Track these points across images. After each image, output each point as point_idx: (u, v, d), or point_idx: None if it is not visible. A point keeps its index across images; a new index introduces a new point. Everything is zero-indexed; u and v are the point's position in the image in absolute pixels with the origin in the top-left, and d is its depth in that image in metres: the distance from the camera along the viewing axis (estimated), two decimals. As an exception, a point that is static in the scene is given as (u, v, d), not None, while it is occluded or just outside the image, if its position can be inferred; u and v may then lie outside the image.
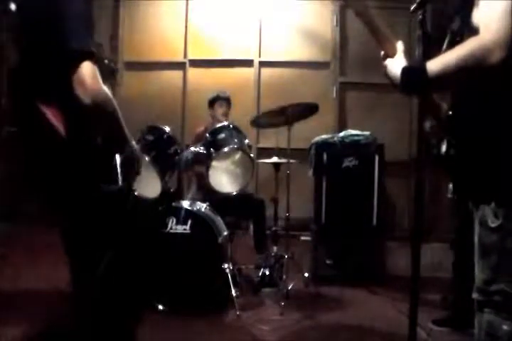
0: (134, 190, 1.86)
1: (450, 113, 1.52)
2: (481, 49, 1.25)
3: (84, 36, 1.54)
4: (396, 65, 1.47)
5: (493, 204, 1.39)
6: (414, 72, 1.41)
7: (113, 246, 1.70)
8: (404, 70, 1.43)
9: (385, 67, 1.51)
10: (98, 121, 1.57)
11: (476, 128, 1.41)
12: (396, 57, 1.50)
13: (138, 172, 1.79)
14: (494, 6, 1.27)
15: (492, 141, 1.38)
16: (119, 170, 1.63)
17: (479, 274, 1.44)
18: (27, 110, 1.64)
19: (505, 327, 1.36)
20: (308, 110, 3.57)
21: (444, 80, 1.37)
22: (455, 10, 1.46)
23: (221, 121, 3.71)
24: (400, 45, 1.52)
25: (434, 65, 1.35)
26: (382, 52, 1.54)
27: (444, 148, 1.57)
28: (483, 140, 1.39)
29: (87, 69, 1.49)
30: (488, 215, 1.40)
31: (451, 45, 1.42)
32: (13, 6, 1.68)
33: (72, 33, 1.53)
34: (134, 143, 1.74)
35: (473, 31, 1.28)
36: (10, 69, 1.72)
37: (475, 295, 1.45)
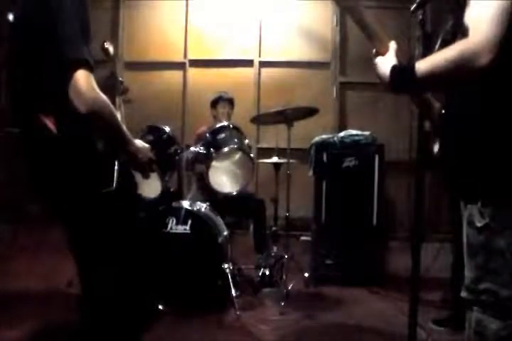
0: (135, 190, 1.85)
1: (443, 112, 1.52)
2: (469, 51, 1.24)
3: (79, 45, 1.53)
4: (386, 63, 1.47)
5: (479, 204, 1.40)
6: (402, 71, 1.41)
7: (115, 247, 1.70)
8: (393, 69, 1.43)
9: (375, 65, 1.51)
10: (97, 127, 1.57)
11: (466, 128, 1.41)
12: (387, 55, 1.50)
13: (152, 170, 1.78)
14: (484, 6, 1.26)
15: (480, 140, 1.38)
16: (116, 172, 1.62)
17: (468, 273, 1.46)
18: (25, 117, 1.64)
19: (493, 326, 1.37)
20: (307, 113, 3.59)
21: (431, 81, 1.37)
22: (449, 9, 1.46)
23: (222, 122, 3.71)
24: (392, 44, 1.52)
25: (423, 66, 1.35)
26: (374, 50, 1.54)
27: (437, 146, 1.58)
28: (472, 140, 1.39)
29: (82, 78, 1.49)
30: (475, 215, 1.41)
31: (444, 44, 1.43)
32: (11, 17, 1.68)
33: (67, 42, 1.52)
34: (141, 142, 1.73)
35: (464, 31, 1.28)
36: (7, 78, 1.72)
37: (464, 294, 1.46)
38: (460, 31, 1.30)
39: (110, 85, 1.61)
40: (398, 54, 1.50)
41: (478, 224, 1.40)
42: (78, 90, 1.48)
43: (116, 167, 1.63)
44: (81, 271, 1.75)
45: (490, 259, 1.38)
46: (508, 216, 1.36)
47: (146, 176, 1.78)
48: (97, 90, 1.52)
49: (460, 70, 1.28)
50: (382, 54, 1.51)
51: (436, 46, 1.53)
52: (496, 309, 1.37)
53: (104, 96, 1.53)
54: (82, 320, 1.76)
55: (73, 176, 1.61)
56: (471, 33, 1.25)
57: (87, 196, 1.62)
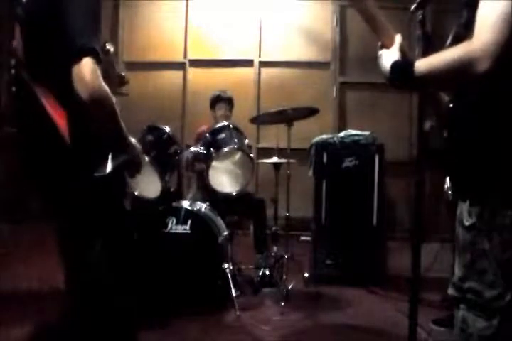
0: (127, 184, 1.85)
1: (451, 106, 1.51)
2: (468, 57, 1.23)
3: (89, 33, 1.54)
4: (389, 57, 1.46)
5: (467, 203, 1.40)
6: (402, 68, 1.41)
7: (108, 244, 1.70)
8: (394, 65, 1.42)
9: (379, 57, 1.50)
10: (96, 118, 1.57)
11: (467, 126, 1.40)
12: (391, 49, 1.49)
13: (138, 172, 1.79)
14: (491, 8, 1.23)
15: (477, 140, 1.37)
16: (110, 161, 1.62)
17: (456, 271, 1.46)
18: (30, 108, 1.64)
19: (477, 324, 1.37)
20: (307, 113, 3.59)
21: (429, 81, 1.37)
22: (464, 3, 1.44)
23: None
24: (398, 38, 1.51)
25: (423, 65, 1.34)
26: (380, 43, 1.53)
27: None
28: (470, 138, 1.39)
29: (88, 65, 1.49)
30: (464, 213, 1.41)
31: (456, 39, 1.42)
32: None
33: (77, 28, 1.53)
34: (134, 140, 1.74)
35: (472, 31, 1.27)
36: (14, 63, 1.72)
37: (450, 291, 1.46)
38: (472, 29, 1.29)
39: (109, 76, 1.61)
40: (403, 47, 1.49)
41: (466, 223, 1.40)
42: (82, 77, 1.48)
43: (110, 154, 1.63)
44: (71, 268, 1.75)
45: (476, 259, 1.38)
46: (494, 217, 1.35)
47: (132, 175, 1.79)
48: (101, 80, 1.52)
49: (458, 75, 1.28)
50: (387, 46, 1.50)
51: (448, 40, 1.51)
52: (480, 308, 1.37)
53: (106, 87, 1.53)
54: (74, 318, 1.76)
55: (68, 160, 1.61)
56: (474, 36, 1.24)
57: (81, 180, 1.62)
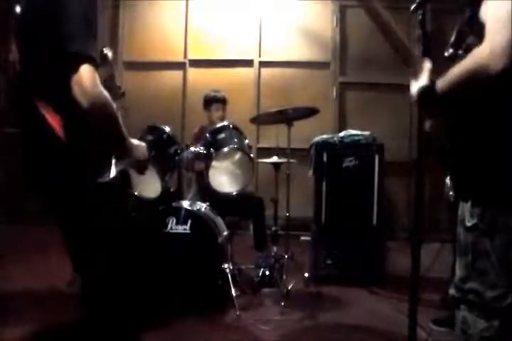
0: (130, 186, 1.86)
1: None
2: (477, 65, 1.25)
3: (85, 39, 1.53)
4: (417, 84, 1.46)
5: (469, 203, 1.39)
6: (425, 90, 1.42)
7: (112, 245, 1.70)
8: (419, 92, 1.44)
9: (410, 87, 1.50)
10: (96, 124, 1.57)
11: (472, 124, 1.40)
12: (421, 75, 1.47)
13: (145, 168, 1.81)
14: (500, 8, 1.24)
15: (481, 138, 1.37)
16: (113, 166, 1.62)
17: (457, 271, 1.47)
18: (27, 112, 1.64)
19: (478, 325, 1.37)
20: (307, 113, 3.59)
21: (451, 94, 1.37)
22: (467, 1, 1.44)
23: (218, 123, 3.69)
24: (426, 63, 1.50)
25: (442, 83, 1.36)
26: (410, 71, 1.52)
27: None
28: (474, 136, 1.39)
29: (86, 73, 1.48)
30: (466, 214, 1.41)
31: (460, 35, 1.42)
32: (18, 8, 1.68)
33: (72, 36, 1.52)
34: (137, 141, 1.74)
35: (480, 28, 1.26)
36: (12, 71, 1.72)
37: (452, 292, 1.46)
38: (476, 26, 1.29)
39: (108, 88, 1.61)
40: (431, 72, 1.48)
41: (468, 224, 1.40)
42: (81, 85, 1.48)
43: (113, 160, 1.63)
44: (78, 268, 1.75)
45: (477, 260, 1.39)
46: (496, 218, 1.35)
47: (141, 173, 1.82)
48: (100, 86, 1.52)
49: (474, 82, 1.29)
50: (414, 75, 1.49)
51: (452, 38, 1.51)
52: (481, 309, 1.37)
53: (106, 93, 1.53)
54: (81, 318, 1.76)
55: (70, 166, 1.61)
56: (486, 36, 1.24)
57: (83, 185, 1.61)
